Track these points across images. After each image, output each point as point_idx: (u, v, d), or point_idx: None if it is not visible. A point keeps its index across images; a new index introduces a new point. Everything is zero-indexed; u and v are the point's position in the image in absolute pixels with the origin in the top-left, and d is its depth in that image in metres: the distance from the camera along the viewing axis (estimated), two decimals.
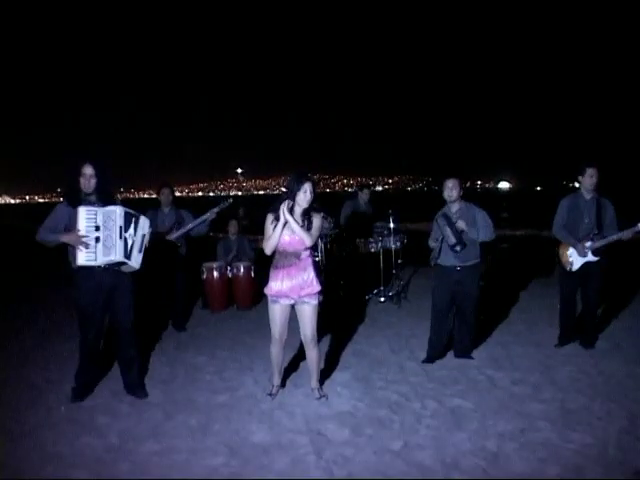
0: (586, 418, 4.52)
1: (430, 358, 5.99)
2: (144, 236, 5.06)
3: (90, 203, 4.89)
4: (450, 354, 6.12)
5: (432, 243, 5.89)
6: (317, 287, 4.88)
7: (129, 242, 4.91)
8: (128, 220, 4.93)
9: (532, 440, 4.19)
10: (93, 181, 4.87)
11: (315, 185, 4.83)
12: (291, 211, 4.76)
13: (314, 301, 4.90)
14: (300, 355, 5.92)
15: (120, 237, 4.85)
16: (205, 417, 4.72)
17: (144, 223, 5.09)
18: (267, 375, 5.36)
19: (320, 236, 9.01)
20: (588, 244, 5.98)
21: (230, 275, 8.54)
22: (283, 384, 5.30)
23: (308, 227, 4.81)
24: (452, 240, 5.65)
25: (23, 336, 7.27)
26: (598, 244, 5.94)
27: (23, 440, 4.36)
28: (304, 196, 4.74)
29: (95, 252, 4.79)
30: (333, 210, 9.69)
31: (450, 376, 5.55)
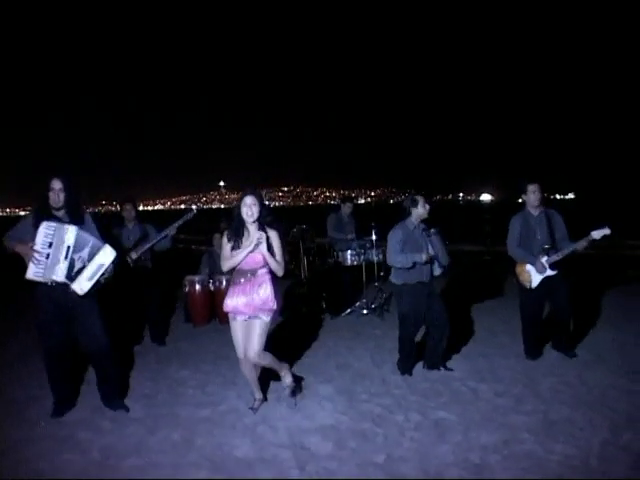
0: (569, 429, 4.53)
1: (409, 371, 6.01)
2: (101, 267, 4.83)
3: (57, 218, 4.89)
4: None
5: (423, 257, 5.69)
6: (272, 305, 4.84)
7: (77, 265, 4.78)
8: (82, 243, 4.79)
9: (515, 452, 4.20)
10: (62, 195, 4.87)
11: (259, 197, 4.85)
12: (243, 230, 4.82)
13: (266, 318, 4.87)
14: None
15: (66, 257, 4.76)
16: (188, 432, 4.68)
17: (106, 255, 4.86)
18: (250, 389, 5.33)
19: (303, 250, 9.02)
20: (544, 259, 6.05)
21: (212, 288, 8.50)
22: (266, 397, 5.28)
23: (269, 248, 4.83)
24: (447, 259, 5.73)
25: (4, 351, 7.20)
26: (554, 258, 6.03)
27: (3, 457, 4.31)
28: (246, 210, 4.78)
29: (44, 268, 4.76)
30: (316, 223, 9.72)
31: (433, 388, 5.55)
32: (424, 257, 5.71)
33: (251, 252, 4.75)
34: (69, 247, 4.77)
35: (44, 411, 5.09)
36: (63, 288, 4.85)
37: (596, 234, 5.77)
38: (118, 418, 5.00)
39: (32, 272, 4.77)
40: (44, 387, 5.54)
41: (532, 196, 6.15)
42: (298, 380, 5.34)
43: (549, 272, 6.08)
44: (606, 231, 5.75)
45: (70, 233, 4.78)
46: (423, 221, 5.93)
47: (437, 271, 5.93)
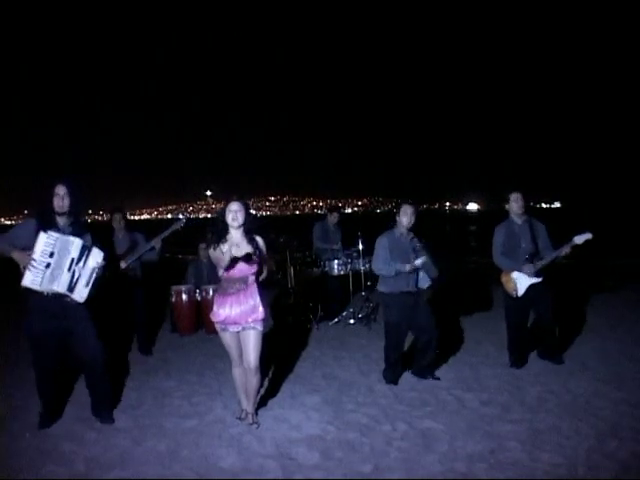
0: (555, 438, 4.55)
1: (394, 380, 6.00)
2: (94, 269, 4.90)
3: (58, 228, 4.87)
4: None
5: (407, 267, 5.72)
6: (262, 314, 4.82)
7: (76, 275, 4.83)
8: (82, 253, 4.85)
9: (502, 461, 4.21)
10: (67, 200, 4.87)
11: (245, 204, 4.85)
12: (226, 236, 4.79)
13: (260, 327, 4.85)
14: (267, 378, 5.91)
15: (69, 269, 4.79)
16: (174, 443, 4.65)
17: (96, 255, 4.94)
18: (236, 399, 5.30)
19: (290, 259, 9.02)
20: (531, 265, 6.09)
21: (199, 298, 8.48)
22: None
23: (259, 253, 4.84)
24: (435, 272, 5.71)
25: None
26: (539, 265, 6.07)
27: None
28: (232, 216, 4.76)
29: (42, 277, 4.74)
30: (303, 233, 9.71)
31: (420, 398, 5.55)
32: (407, 268, 5.74)
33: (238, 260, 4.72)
34: (73, 259, 4.80)
35: (28, 423, 5.04)
36: (58, 298, 4.85)
37: (578, 239, 5.87)
38: (103, 429, 4.96)
39: (29, 280, 4.74)
40: (27, 398, 5.50)
41: (514, 205, 6.22)
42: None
43: (534, 279, 6.12)
44: (588, 236, 5.85)
45: (76, 246, 4.82)
46: (412, 230, 5.94)
47: (425, 283, 5.92)
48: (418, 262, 5.72)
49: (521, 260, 6.14)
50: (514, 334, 6.40)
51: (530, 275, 6.11)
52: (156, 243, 7.16)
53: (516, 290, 6.20)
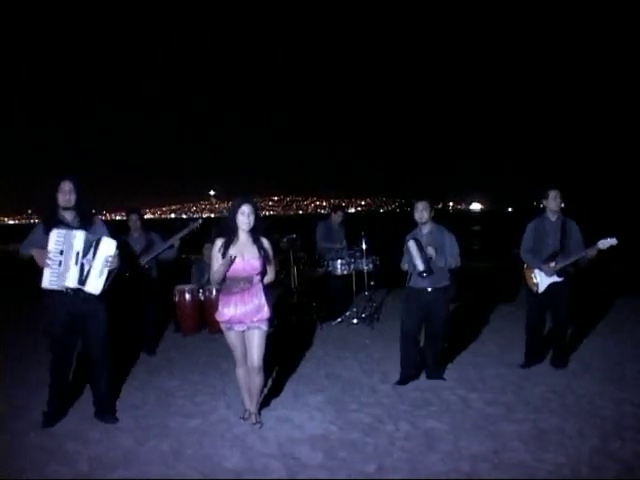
0: (559, 438, 4.54)
1: (403, 380, 5.98)
2: (107, 259, 4.82)
3: (65, 223, 4.90)
4: (423, 375, 6.12)
5: (405, 266, 5.96)
6: (267, 314, 4.80)
7: (85, 268, 4.81)
8: (87, 245, 4.82)
9: (505, 461, 4.20)
10: (73, 197, 4.90)
11: (256, 207, 4.82)
12: (234, 237, 4.77)
13: (264, 327, 4.83)
14: (271, 378, 5.91)
15: (76, 263, 4.79)
16: (177, 442, 4.65)
17: (108, 245, 4.84)
18: (240, 399, 5.30)
19: (293, 259, 9.03)
20: (552, 264, 6.07)
21: (202, 298, 8.48)
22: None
23: (265, 254, 4.83)
24: (421, 267, 5.69)
25: None
26: (561, 264, 6.04)
27: None
28: (243, 219, 4.73)
29: (57, 276, 4.77)
30: (305, 232, 9.72)
31: (423, 397, 5.54)
32: (403, 265, 6.03)
33: (230, 265, 4.71)
34: (78, 252, 4.80)
35: (29, 422, 5.04)
36: (76, 295, 4.86)
37: (602, 244, 5.79)
38: (107, 429, 4.95)
39: (47, 281, 4.77)
40: (30, 397, 5.51)
41: (552, 202, 6.16)
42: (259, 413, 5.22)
43: (555, 278, 6.11)
44: (613, 241, 5.75)
45: (78, 238, 4.81)
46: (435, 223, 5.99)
47: (441, 262, 5.79)
48: (407, 266, 5.97)
49: (545, 257, 6.14)
50: (529, 331, 6.43)
51: (548, 275, 6.10)
52: (175, 241, 7.26)
53: (537, 286, 6.21)
